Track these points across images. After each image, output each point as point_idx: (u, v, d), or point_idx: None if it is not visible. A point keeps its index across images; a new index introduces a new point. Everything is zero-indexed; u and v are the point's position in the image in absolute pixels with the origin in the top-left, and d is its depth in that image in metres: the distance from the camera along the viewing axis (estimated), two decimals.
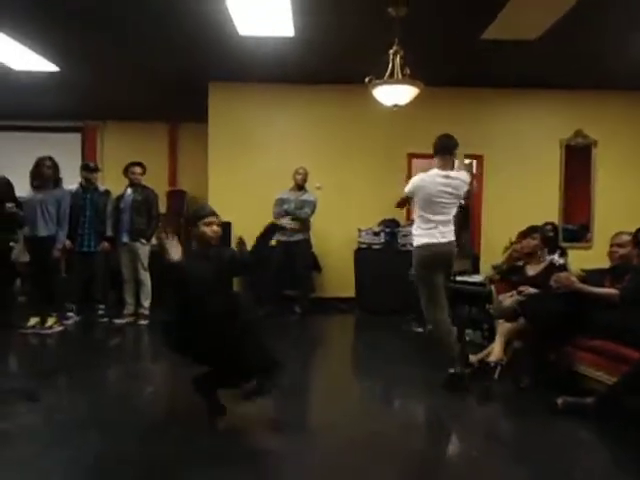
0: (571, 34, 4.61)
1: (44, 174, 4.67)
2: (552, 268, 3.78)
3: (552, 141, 6.53)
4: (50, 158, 4.75)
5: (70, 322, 4.90)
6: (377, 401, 3.30)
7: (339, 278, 6.25)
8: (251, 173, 6.28)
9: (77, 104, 7.30)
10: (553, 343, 3.20)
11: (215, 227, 2.70)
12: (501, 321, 3.62)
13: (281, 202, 5.53)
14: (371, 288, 5.73)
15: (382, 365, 3.89)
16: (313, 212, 5.58)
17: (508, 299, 3.72)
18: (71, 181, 5.21)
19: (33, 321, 4.63)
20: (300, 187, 5.59)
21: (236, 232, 6.29)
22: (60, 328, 4.68)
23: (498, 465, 2.34)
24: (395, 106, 4.29)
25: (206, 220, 2.68)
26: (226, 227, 6.16)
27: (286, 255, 5.50)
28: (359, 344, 5.05)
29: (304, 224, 5.56)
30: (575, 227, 6.63)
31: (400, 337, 4.82)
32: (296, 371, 3.69)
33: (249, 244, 6.45)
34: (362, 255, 5.89)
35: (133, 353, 4.52)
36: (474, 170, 6.75)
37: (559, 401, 2.72)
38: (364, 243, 5.90)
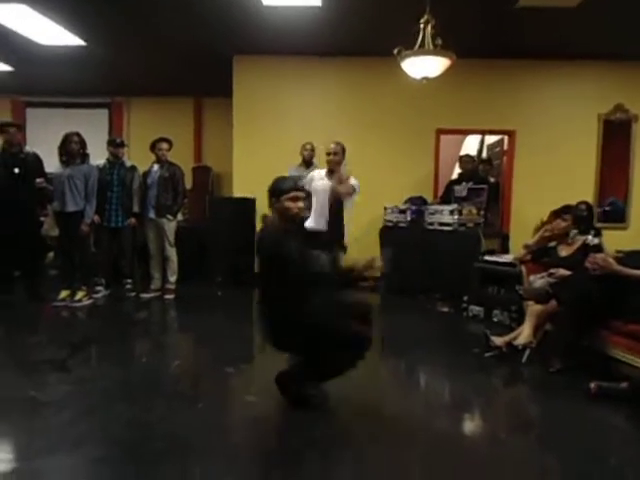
0: (612, 1, 4.33)
1: (72, 150, 4.71)
2: (586, 249, 3.63)
3: (590, 116, 6.22)
4: (77, 134, 4.78)
5: (99, 296, 5.00)
6: (402, 381, 3.28)
7: (364, 256, 6.16)
8: (276, 148, 6.20)
9: (104, 80, 7.31)
10: (586, 327, 3.09)
11: (301, 203, 2.52)
12: (531, 303, 3.51)
13: None
14: (397, 267, 5.64)
15: (407, 344, 3.85)
16: None
17: (539, 280, 3.61)
18: (99, 157, 5.25)
19: (64, 294, 4.74)
20: (309, 163, 5.50)
21: (260, 209, 6.29)
22: (89, 301, 4.78)
23: (527, 449, 2.29)
24: (424, 79, 4.13)
25: (291, 195, 2.51)
26: (250, 203, 6.18)
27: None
28: (384, 323, 5.00)
29: None
30: (610, 207, 6.37)
31: (426, 317, 4.76)
32: None
33: None
34: (388, 233, 5.79)
35: (159, 326, 4.60)
36: (505, 147, 6.54)
37: (592, 385, 2.63)
38: (390, 221, 5.80)
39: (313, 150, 5.51)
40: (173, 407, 2.54)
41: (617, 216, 6.30)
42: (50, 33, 5.22)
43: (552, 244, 3.86)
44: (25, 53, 5.88)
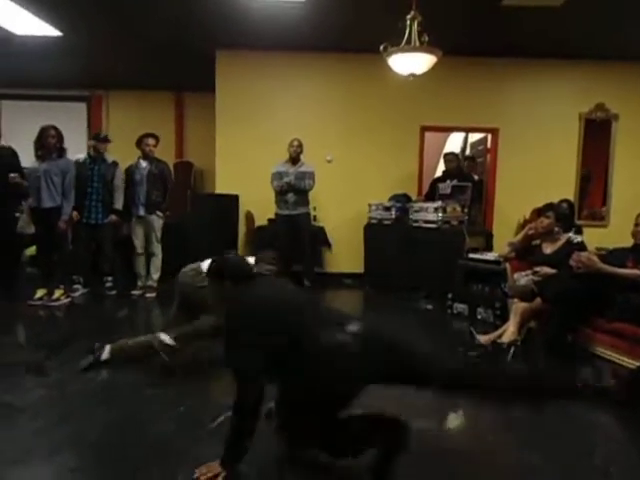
0: (596, 0, 4.36)
1: (48, 144, 4.56)
2: (570, 247, 3.66)
3: (571, 115, 6.29)
4: (54, 127, 4.63)
5: (77, 294, 4.87)
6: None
7: (348, 254, 6.17)
8: (259, 144, 6.12)
9: (82, 72, 7.12)
10: (571, 324, 3.12)
11: None
12: (516, 300, 3.53)
13: (279, 175, 5.42)
14: (381, 264, 5.64)
15: None
16: (314, 183, 5.46)
17: (523, 278, 3.63)
18: (77, 151, 5.10)
19: (40, 293, 4.60)
20: (295, 160, 5.46)
21: (244, 205, 6.21)
22: (67, 300, 4.65)
23: (512, 449, 2.28)
24: (411, 75, 4.11)
25: None
26: (233, 200, 6.10)
27: (290, 229, 5.43)
28: (368, 320, 4.99)
29: (304, 197, 5.47)
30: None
31: (410, 314, 4.75)
32: None
33: (257, 218, 6.38)
34: (372, 230, 5.78)
35: (141, 325, 4.49)
36: (488, 145, 6.58)
37: (578, 384, 2.65)
38: (374, 218, 5.78)
39: (300, 146, 5.46)
40: (153, 410, 2.47)
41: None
42: (26, 23, 5.04)
43: (536, 242, 3.89)
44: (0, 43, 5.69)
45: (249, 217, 6.26)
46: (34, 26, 5.15)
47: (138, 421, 2.35)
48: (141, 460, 1.98)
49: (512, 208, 6.05)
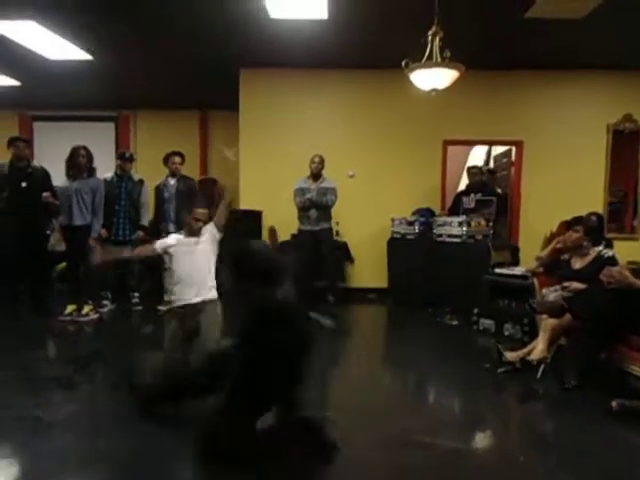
0: (621, 11, 4.31)
1: (79, 163, 4.71)
2: (600, 261, 3.56)
3: (598, 126, 6.18)
4: (84, 147, 4.78)
5: (105, 310, 4.96)
6: (410, 397, 3.19)
7: (372, 269, 6.14)
8: (282, 161, 6.19)
9: (111, 93, 7.35)
10: (603, 341, 3.02)
11: None
12: (545, 316, 3.45)
13: (301, 192, 5.45)
14: (404, 279, 5.59)
15: (415, 359, 3.78)
16: (336, 198, 5.48)
17: (552, 294, 3.55)
18: (106, 170, 5.24)
19: (70, 308, 4.71)
20: (317, 176, 5.49)
21: (267, 221, 6.26)
22: (96, 316, 4.74)
23: (544, 469, 2.22)
24: (433, 91, 4.11)
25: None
26: (257, 216, 6.16)
27: (312, 244, 5.45)
28: (393, 336, 4.95)
29: (327, 213, 5.48)
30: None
31: (434, 330, 4.69)
32: (326, 363, 3.63)
33: (281, 233, 6.43)
34: (395, 245, 5.75)
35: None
36: (512, 157, 6.51)
37: (614, 404, 2.56)
38: (398, 233, 5.75)
39: (321, 162, 5.50)
40: (184, 426, 2.48)
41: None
42: (58, 48, 5.25)
43: (565, 256, 3.80)
44: (33, 68, 5.92)
45: (272, 232, 6.31)
46: (66, 51, 5.35)
47: (168, 435, 2.35)
48: (171, 476, 1.99)
49: (538, 221, 5.95)
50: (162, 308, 5.05)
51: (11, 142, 4.79)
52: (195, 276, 3.07)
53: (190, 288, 3.04)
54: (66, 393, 2.92)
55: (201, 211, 3.21)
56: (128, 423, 2.49)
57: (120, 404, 2.72)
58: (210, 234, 3.21)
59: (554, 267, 3.79)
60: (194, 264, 3.09)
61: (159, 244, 3.22)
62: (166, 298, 5.24)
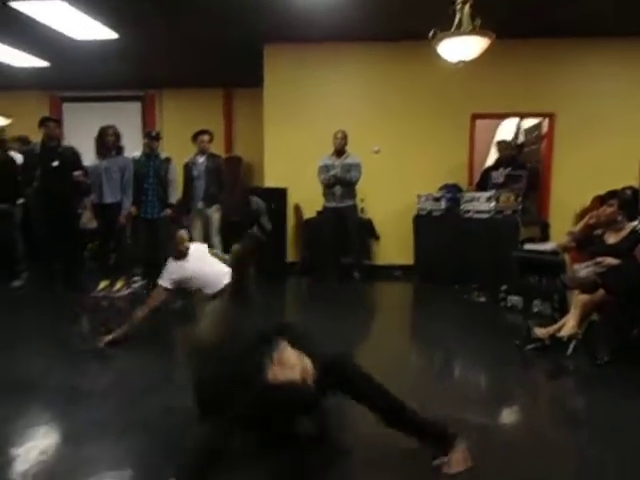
0: None
1: (107, 142, 4.79)
2: (635, 236, 3.46)
3: (634, 97, 5.92)
4: (112, 127, 4.85)
5: (137, 286, 5.07)
6: (437, 372, 3.19)
7: (397, 246, 6.11)
8: (307, 137, 6.15)
9: (136, 73, 7.39)
10: (637, 316, 2.95)
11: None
12: (576, 292, 3.38)
13: (326, 168, 5.43)
14: (431, 256, 5.55)
15: (442, 336, 3.77)
16: (361, 175, 5.44)
17: (584, 269, 3.46)
18: (133, 149, 5.31)
19: (103, 284, 4.83)
20: (340, 152, 5.44)
21: (292, 199, 6.27)
22: (128, 291, 4.85)
23: (576, 445, 2.20)
24: (460, 62, 3.99)
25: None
26: (282, 193, 6.16)
27: (337, 221, 5.45)
28: (419, 312, 4.94)
29: (351, 189, 5.45)
30: None
31: (462, 307, 4.66)
32: (353, 340, 3.66)
33: (305, 210, 6.41)
34: (421, 222, 5.69)
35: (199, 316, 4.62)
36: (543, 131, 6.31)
37: None
38: (424, 209, 5.69)
39: (345, 138, 5.45)
40: None
41: None
42: (84, 27, 5.28)
43: (598, 231, 3.70)
44: (61, 48, 5.99)
45: (297, 210, 6.32)
46: (92, 30, 5.39)
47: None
48: None
49: (570, 196, 5.78)
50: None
51: (42, 122, 4.89)
52: (210, 272, 3.42)
53: (212, 285, 3.36)
54: (102, 365, 3.03)
55: (180, 235, 3.58)
56: (162, 393, 2.57)
57: (154, 376, 2.83)
58: (195, 249, 3.57)
59: (587, 242, 3.70)
60: (200, 265, 3.48)
61: (168, 282, 3.46)
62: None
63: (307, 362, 1.81)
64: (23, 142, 5.89)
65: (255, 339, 1.99)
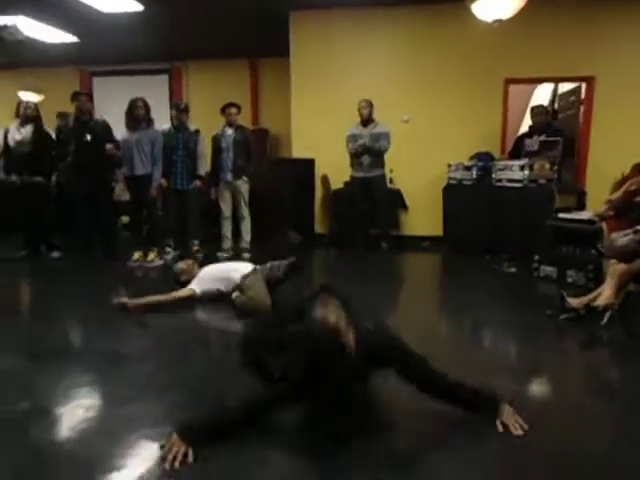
0: None
1: (138, 115, 4.84)
2: None
3: None
4: (142, 99, 4.89)
5: (169, 257, 5.21)
6: (469, 341, 3.16)
7: (426, 216, 6.03)
8: (335, 107, 6.07)
9: (162, 45, 7.40)
10: None
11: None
12: (613, 261, 3.28)
13: (354, 138, 5.36)
14: (461, 226, 5.46)
15: (474, 304, 3.73)
16: (390, 144, 5.34)
17: (622, 238, 3.35)
18: (161, 121, 5.35)
19: (137, 255, 4.98)
20: (367, 121, 5.34)
21: (320, 169, 6.24)
22: (160, 262, 4.99)
23: (609, 416, 2.16)
24: (496, 22, 3.83)
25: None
26: (309, 164, 6.14)
27: (365, 191, 5.40)
28: (449, 282, 4.90)
29: (380, 159, 5.38)
30: None
31: (493, 277, 4.59)
32: (383, 308, 3.67)
33: (333, 181, 6.38)
34: (452, 192, 5.59)
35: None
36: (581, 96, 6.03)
37: None
38: (454, 179, 5.57)
39: (369, 106, 5.36)
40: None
41: None
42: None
43: (638, 198, 3.56)
44: (89, 22, 6.02)
45: (325, 180, 6.29)
46: (117, 2, 5.39)
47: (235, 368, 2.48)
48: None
49: (608, 164, 5.54)
50: (222, 255, 5.28)
51: (74, 96, 4.97)
52: (232, 271, 3.57)
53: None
54: (140, 330, 3.14)
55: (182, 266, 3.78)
56: (201, 355, 2.67)
57: (191, 340, 2.92)
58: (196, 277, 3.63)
59: (626, 210, 3.57)
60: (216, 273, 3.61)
61: (198, 289, 3.52)
62: (224, 246, 5.43)
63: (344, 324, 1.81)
64: (63, 117, 6.01)
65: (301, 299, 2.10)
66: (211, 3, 5.67)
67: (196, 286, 3.52)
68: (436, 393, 1.93)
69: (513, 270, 4.72)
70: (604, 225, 3.69)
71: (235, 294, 3.42)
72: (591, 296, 3.24)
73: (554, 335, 3.10)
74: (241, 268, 3.58)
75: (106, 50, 7.47)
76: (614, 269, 3.18)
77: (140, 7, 5.62)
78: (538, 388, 2.53)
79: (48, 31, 6.39)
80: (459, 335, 3.28)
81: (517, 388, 2.33)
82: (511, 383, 2.38)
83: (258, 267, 3.55)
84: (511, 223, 4.95)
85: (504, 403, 1.93)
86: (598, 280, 3.65)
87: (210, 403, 2.04)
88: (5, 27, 5.63)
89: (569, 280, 4.12)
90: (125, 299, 3.40)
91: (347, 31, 6.05)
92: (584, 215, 4.21)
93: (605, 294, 3.12)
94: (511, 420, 1.88)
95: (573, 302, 3.24)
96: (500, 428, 1.86)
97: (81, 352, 2.84)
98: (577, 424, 2.05)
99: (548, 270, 4.33)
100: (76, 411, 2.07)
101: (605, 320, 3.06)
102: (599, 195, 4.76)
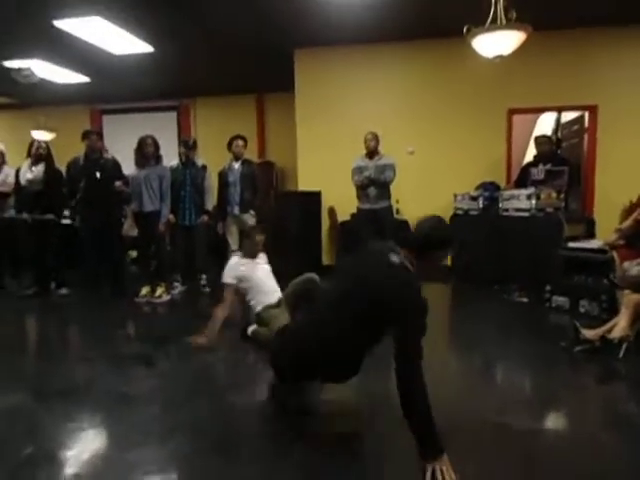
0: None
1: (147, 152, 4.92)
2: None
3: None
4: (151, 137, 4.98)
5: (176, 292, 5.20)
6: (481, 375, 3.09)
7: None
8: (340, 140, 6.15)
9: (171, 83, 7.61)
10: None
11: None
12: (627, 291, 3.23)
13: (359, 170, 5.39)
14: (468, 256, 5.41)
15: (485, 336, 3.68)
16: (395, 175, 5.37)
17: (635, 267, 3.32)
18: (169, 157, 5.44)
19: (144, 290, 4.98)
20: (373, 153, 5.39)
21: (326, 201, 6.27)
22: (168, 297, 4.98)
23: (628, 451, 2.09)
24: (497, 57, 3.89)
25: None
26: (316, 197, 6.18)
27: (372, 223, 5.39)
28: (459, 313, 4.84)
29: (386, 190, 5.40)
30: None
31: (503, 307, 4.53)
32: (390, 341, 3.60)
33: (339, 213, 6.39)
34: (458, 222, 5.56)
35: (240, 321, 4.65)
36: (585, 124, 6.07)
37: None
38: (460, 209, 5.57)
39: (375, 139, 5.40)
40: (256, 399, 2.57)
41: None
42: (121, 42, 5.47)
43: None
44: (100, 64, 6.23)
45: (332, 213, 6.32)
46: (129, 44, 5.57)
47: (242, 409, 2.45)
48: (249, 448, 2.07)
49: (615, 191, 5.50)
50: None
51: (85, 135, 5.07)
52: (268, 283, 3.60)
53: (267, 295, 3.51)
54: (146, 369, 3.10)
55: (259, 238, 3.69)
56: (206, 397, 2.61)
57: (198, 380, 2.87)
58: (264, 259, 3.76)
59: (637, 239, 3.53)
60: (264, 273, 3.65)
61: (230, 277, 3.54)
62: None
63: None
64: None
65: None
66: (218, 42, 5.84)
67: (229, 277, 3.52)
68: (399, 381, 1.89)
69: (524, 300, 4.66)
70: (615, 254, 3.64)
71: (255, 327, 3.43)
72: (606, 327, 3.18)
73: (569, 368, 3.04)
74: (276, 294, 3.55)
75: (116, 89, 7.69)
76: (629, 299, 3.13)
77: (150, 48, 5.80)
78: (554, 422, 2.46)
79: (61, 73, 6.60)
80: (471, 368, 3.21)
81: (533, 423, 2.26)
82: (526, 417, 2.32)
83: (282, 297, 3.52)
84: (519, 252, 4.91)
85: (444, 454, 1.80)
86: (612, 310, 3.59)
87: (216, 446, 1.99)
88: (20, 70, 5.83)
89: (582, 310, 4.06)
90: (201, 339, 3.34)
91: (349, 66, 6.19)
92: (594, 244, 4.18)
93: (620, 325, 3.06)
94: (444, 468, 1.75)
95: (588, 334, 3.18)
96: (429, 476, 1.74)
97: (88, 392, 2.80)
98: (593, 459, 1.99)
99: (560, 300, 4.26)
100: (82, 456, 2.03)
101: (622, 353, 3.00)
102: (608, 223, 4.72)
